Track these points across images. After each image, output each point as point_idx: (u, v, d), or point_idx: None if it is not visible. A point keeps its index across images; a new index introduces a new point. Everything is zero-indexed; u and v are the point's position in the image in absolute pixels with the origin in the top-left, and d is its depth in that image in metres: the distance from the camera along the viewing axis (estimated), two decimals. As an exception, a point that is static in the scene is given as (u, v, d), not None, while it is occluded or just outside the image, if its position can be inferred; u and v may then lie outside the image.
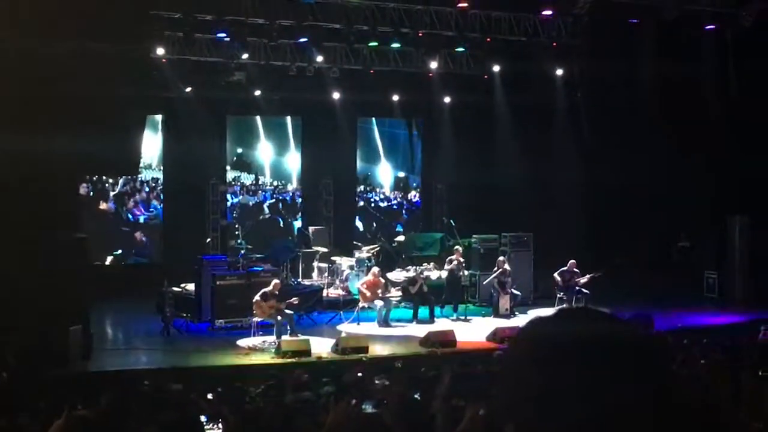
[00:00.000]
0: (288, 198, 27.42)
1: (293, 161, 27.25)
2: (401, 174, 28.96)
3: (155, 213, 25.49)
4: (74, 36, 12.43)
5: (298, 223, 26.84)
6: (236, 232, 23.92)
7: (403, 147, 28.88)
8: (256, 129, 26.91)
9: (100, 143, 13.28)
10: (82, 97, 12.80)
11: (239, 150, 26.89)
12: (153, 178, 25.50)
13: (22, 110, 12.62)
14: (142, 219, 25.36)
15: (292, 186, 27.41)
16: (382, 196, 28.75)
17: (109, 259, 24.75)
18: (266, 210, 27.03)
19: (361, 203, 28.26)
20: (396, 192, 28.88)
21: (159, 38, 20.02)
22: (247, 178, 27.03)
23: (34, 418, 8.76)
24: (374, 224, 27.91)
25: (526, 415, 1.42)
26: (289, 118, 26.94)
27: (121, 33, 13.09)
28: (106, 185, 24.98)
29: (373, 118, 28.15)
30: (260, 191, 27.14)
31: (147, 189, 25.47)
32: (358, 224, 27.92)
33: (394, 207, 28.83)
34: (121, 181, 25.00)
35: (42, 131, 12.46)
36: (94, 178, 24.51)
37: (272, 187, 27.25)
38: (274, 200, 27.22)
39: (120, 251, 24.96)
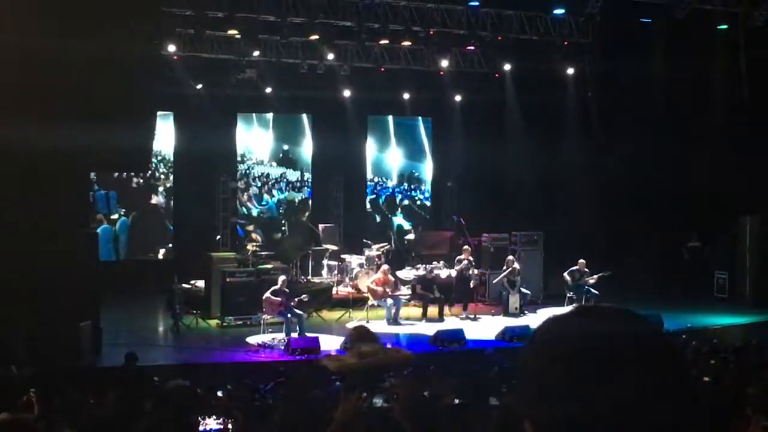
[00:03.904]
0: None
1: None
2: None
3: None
4: (85, 32, 12.45)
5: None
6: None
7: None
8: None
9: (112, 139, 13.30)
10: (92, 94, 12.82)
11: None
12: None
13: (33, 107, 12.64)
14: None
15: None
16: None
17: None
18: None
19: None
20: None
21: (170, 35, 20.09)
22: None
23: (42, 412, 8.79)
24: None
25: (545, 413, 1.42)
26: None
27: (133, 29, 13.10)
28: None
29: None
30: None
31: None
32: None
33: None
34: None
35: (54, 127, 12.49)
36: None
37: None
38: None
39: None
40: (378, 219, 27.96)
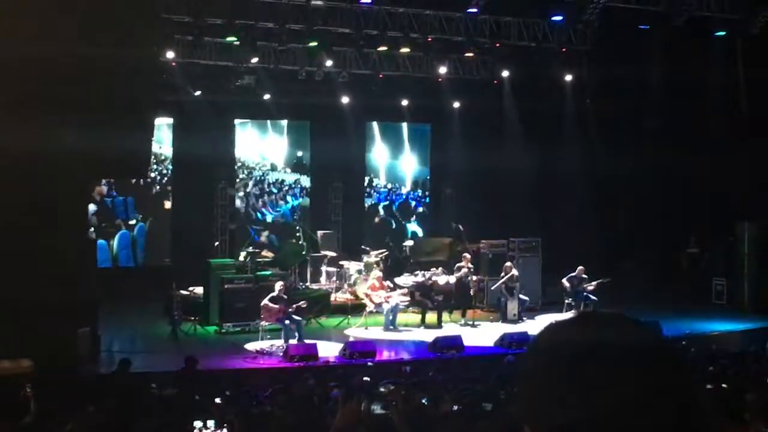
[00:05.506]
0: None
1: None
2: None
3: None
4: (84, 38, 12.46)
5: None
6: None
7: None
8: None
9: (110, 145, 13.29)
10: (90, 99, 12.83)
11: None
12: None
13: (32, 113, 12.64)
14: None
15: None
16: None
17: None
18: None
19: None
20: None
21: (169, 42, 20.09)
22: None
23: (41, 419, 8.78)
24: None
25: (545, 419, 1.41)
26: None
27: (132, 36, 13.12)
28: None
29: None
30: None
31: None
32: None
33: None
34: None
35: (53, 133, 12.50)
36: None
37: None
38: None
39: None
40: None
